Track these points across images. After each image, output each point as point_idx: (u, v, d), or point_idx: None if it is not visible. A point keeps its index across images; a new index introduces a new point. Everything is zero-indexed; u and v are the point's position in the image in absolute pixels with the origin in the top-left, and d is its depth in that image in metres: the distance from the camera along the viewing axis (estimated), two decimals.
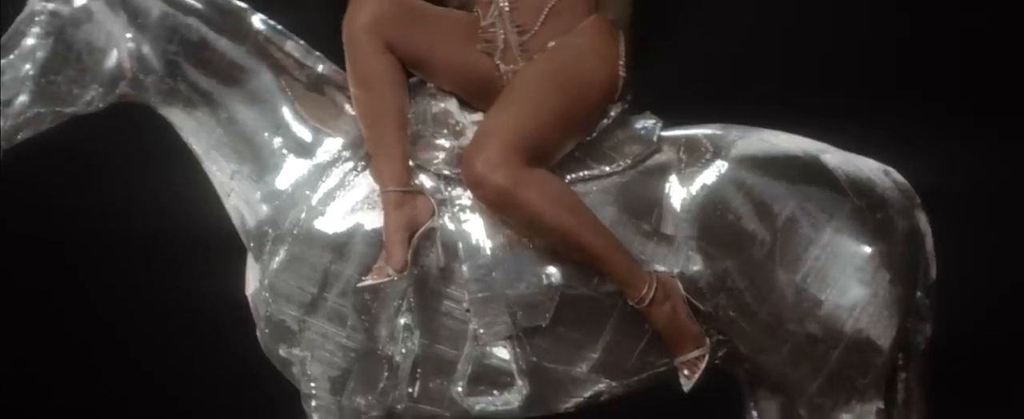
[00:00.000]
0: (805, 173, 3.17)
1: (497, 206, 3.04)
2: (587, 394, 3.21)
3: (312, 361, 3.24)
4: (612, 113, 3.21)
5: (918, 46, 4.14)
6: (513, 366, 3.23)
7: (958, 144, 4.05)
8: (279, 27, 3.25)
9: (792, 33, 4.02)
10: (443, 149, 3.17)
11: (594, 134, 3.19)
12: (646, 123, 3.25)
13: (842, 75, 4.09)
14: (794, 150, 3.21)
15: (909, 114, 4.04)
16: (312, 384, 3.27)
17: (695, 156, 3.18)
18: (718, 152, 3.18)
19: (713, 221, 3.14)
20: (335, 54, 3.28)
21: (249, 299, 3.36)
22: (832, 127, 3.36)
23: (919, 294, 3.36)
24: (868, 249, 3.20)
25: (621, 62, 3.19)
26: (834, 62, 4.08)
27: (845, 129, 3.37)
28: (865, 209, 3.25)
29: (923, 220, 3.36)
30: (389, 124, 3.11)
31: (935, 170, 3.54)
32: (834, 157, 3.23)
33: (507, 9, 3.17)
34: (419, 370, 3.25)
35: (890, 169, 3.27)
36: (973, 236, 3.99)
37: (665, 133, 3.24)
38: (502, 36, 3.19)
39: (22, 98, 3.07)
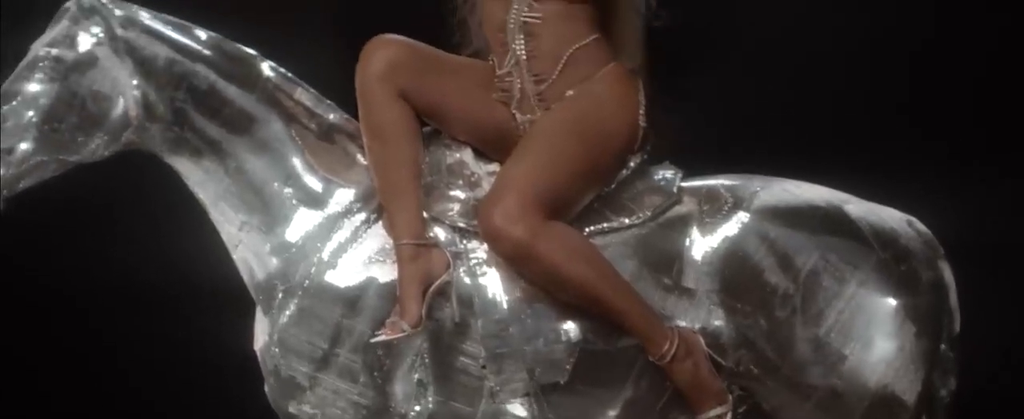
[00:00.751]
0: (828, 224, 3.12)
1: (515, 260, 2.98)
2: None
3: None
4: (631, 164, 3.17)
5: (939, 94, 4.11)
6: None
7: (979, 193, 4.03)
8: (289, 74, 3.20)
9: (811, 81, 3.98)
10: (458, 200, 3.12)
11: (613, 185, 3.15)
12: (665, 173, 3.21)
13: (862, 123, 4.05)
14: (817, 201, 3.17)
15: (929, 163, 4.01)
16: None
17: (716, 207, 3.13)
18: (739, 203, 3.13)
19: (735, 274, 3.09)
20: (347, 102, 3.25)
21: (258, 354, 3.28)
22: (852, 176, 3.32)
23: (943, 347, 3.30)
24: (893, 302, 3.15)
25: (641, 111, 3.14)
26: (854, 110, 4.04)
27: (865, 178, 3.34)
28: (890, 261, 3.19)
29: (947, 271, 3.30)
30: (403, 175, 3.06)
31: (956, 220, 3.52)
32: (857, 208, 3.19)
33: (524, 57, 3.11)
34: None
35: (913, 219, 3.22)
36: (995, 287, 3.91)
37: (685, 184, 3.19)
38: (519, 85, 3.13)
39: (24, 146, 3.02)
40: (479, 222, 2.99)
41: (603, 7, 3.25)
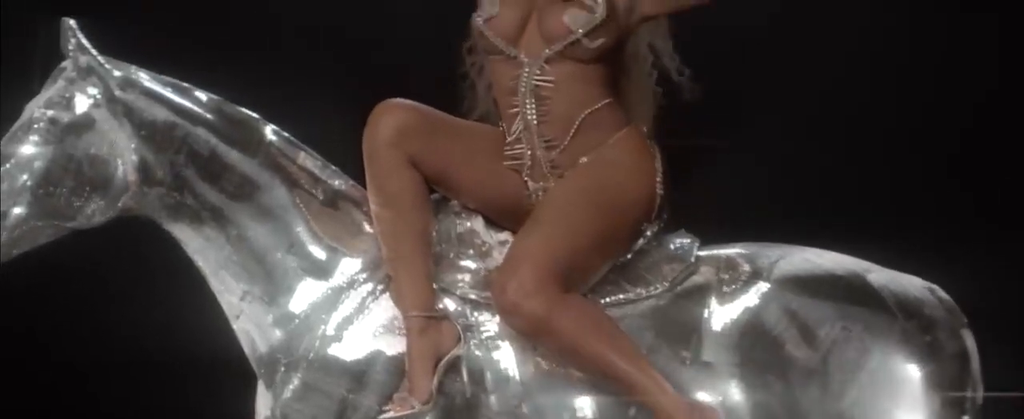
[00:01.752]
0: (850, 294, 3.07)
1: (530, 334, 2.91)
2: None
3: None
4: (648, 232, 3.10)
5: (956, 160, 4.06)
6: None
7: (1000, 260, 3.95)
8: (292, 138, 3.15)
9: (825, 146, 3.91)
10: (469, 271, 3.05)
11: (629, 255, 3.07)
12: (681, 241, 3.15)
13: (880, 189, 3.99)
14: (838, 270, 3.11)
15: (949, 229, 3.94)
16: None
17: (735, 277, 3.08)
18: (759, 272, 3.07)
19: (755, 347, 3.02)
20: (353, 167, 3.18)
21: None
22: (871, 242, 3.26)
23: (966, 418, 3.20)
24: (917, 373, 3.09)
25: (658, 179, 3.08)
26: (871, 176, 3.99)
27: (884, 244, 3.26)
28: (913, 331, 3.12)
29: (970, 340, 3.22)
30: (412, 244, 2.99)
31: (977, 286, 3.40)
32: (879, 276, 3.12)
33: (534, 123, 3.04)
34: None
35: (935, 287, 3.16)
36: (1015, 354, 3.77)
37: (702, 252, 3.13)
38: (529, 152, 3.07)
39: (18, 210, 2.96)
40: (493, 295, 2.93)
41: (615, 68, 3.18)
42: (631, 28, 3.15)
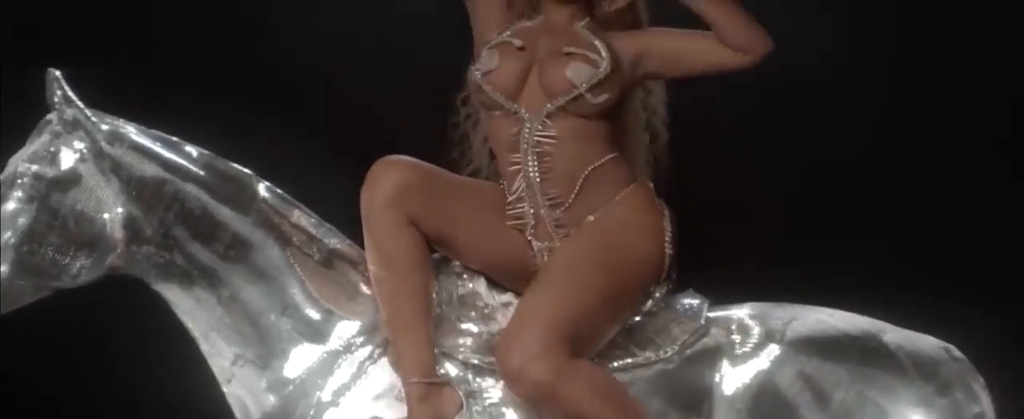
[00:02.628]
0: (865, 356, 3.00)
1: (537, 401, 2.81)
2: None
3: None
4: (657, 294, 3.02)
5: (970, 215, 4.00)
6: None
7: (1015, 318, 3.92)
8: (286, 195, 3.07)
9: (836, 203, 3.83)
10: (471, 334, 2.96)
11: (638, 318, 2.99)
12: (690, 302, 3.07)
13: (891, 246, 3.90)
14: (852, 330, 3.04)
15: (962, 286, 3.87)
16: None
17: (746, 340, 3.00)
18: (771, 335, 3.00)
19: (769, 412, 2.95)
20: (349, 225, 3.09)
21: None
22: (883, 300, 3.20)
23: None
24: None
25: (667, 238, 3.00)
26: (880, 233, 3.92)
27: (896, 302, 3.20)
28: (930, 393, 3.04)
29: (986, 400, 3.14)
30: (412, 307, 2.89)
31: (993, 345, 3.36)
32: (894, 336, 3.06)
33: (537, 180, 2.95)
34: None
35: (950, 346, 3.09)
36: None
37: (711, 313, 3.05)
38: (532, 211, 2.98)
39: (1, 269, 2.87)
40: (497, 361, 2.84)
41: (617, 122, 3.10)
42: (635, 82, 3.08)
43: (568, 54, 3.00)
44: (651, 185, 3.12)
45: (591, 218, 2.98)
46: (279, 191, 3.07)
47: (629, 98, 3.10)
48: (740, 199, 3.73)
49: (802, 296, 3.14)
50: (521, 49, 3.03)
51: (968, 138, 3.83)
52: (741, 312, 3.07)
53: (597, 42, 3.02)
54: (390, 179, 2.94)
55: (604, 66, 2.98)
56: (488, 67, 3.03)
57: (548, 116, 2.98)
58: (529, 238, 3.01)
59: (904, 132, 3.84)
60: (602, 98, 2.98)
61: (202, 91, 3.51)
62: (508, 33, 3.09)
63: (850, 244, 3.86)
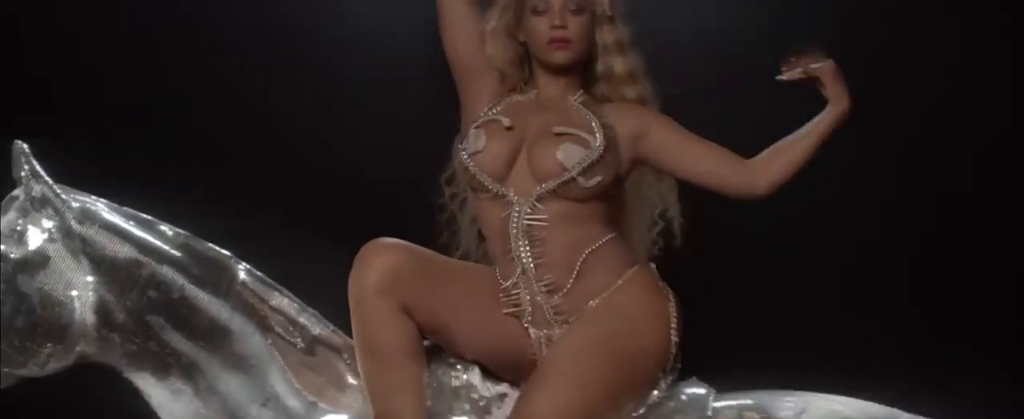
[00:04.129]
0: None
1: None
2: None
3: None
4: (662, 383, 2.90)
5: (982, 303, 3.90)
6: None
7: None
8: (267, 278, 2.97)
9: (845, 285, 3.77)
10: None
11: (642, 409, 2.87)
12: (696, 392, 2.94)
13: (903, 330, 3.82)
14: None
15: (976, 373, 3.75)
16: None
17: None
18: None
19: None
20: (334, 311, 2.99)
21: None
22: (895, 387, 3.09)
23: None
24: None
25: (673, 325, 2.89)
26: (894, 317, 3.82)
27: (907, 389, 3.09)
28: None
29: None
30: (402, 401, 2.79)
31: None
32: None
33: (531, 266, 2.85)
34: None
35: None
36: None
37: (718, 403, 2.94)
38: (529, 297, 2.88)
39: None
40: None
41: (615, 203, 2.99)
42: (633, 161, 2.96)
43: (558, 134, 2.88)
44: (654, 267, 3.00)
45: (592, 304, 2.89)
46: (259, 273, 2.97)
47: (627, 175, 3.00)
48: (744, 280, 3.61)
49: (811, 382, 3.04)
50: (509, 129, 2.91)
51: (978, 223, 3.76)
52: (749, 401, 2.96)
53: (592, 120, 2.91)
54: (382, 264, 2.81)
55: (597, 146, 2.87)
56: (475, 148, 2.92)
57: (538, 199, 2.88)
58: (526, 326, 2.91)
59: (911, 217, 3.77)
60: (594, 181, 2.87)
61: (178, 166, 3.46)
62: (497, 110, 2.96)
63: (859, 326, 3.79)
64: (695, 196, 3.05)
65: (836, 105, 2.84)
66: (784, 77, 2.84)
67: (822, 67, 2.85)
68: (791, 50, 2.85)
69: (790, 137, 2.89)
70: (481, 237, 3.06)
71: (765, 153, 2.89)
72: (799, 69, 2.85)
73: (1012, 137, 3.67)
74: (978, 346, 3.82)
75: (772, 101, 3.03)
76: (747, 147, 2.95)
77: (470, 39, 3.00)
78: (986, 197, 3.81)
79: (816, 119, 2.87)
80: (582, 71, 3.00)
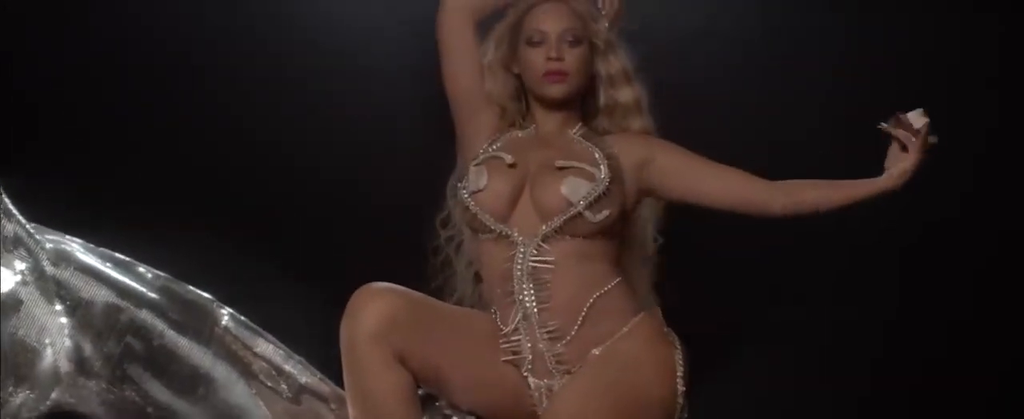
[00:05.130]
0: None
1: None
2: None
3: None
4: None
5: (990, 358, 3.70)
6: None
7: None
8: (251, 324, 2.93)
9: (849, 339, 3.59)
10: None
11: None
12: None
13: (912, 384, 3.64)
14: None
15: None
16: None
17: None
18: None
19: None
20: (322, 358, 2.92)
21: None
22: None
23: None
24: None
25: (680, 374, 2.78)
26: (902, 371, 3.63)
27: None
28: None
29: None
30: None
31: None
32: None
33: (534, 311, 2.74)
34: None
35: None
36: None
37: None
38: (530, 345, 2.77)
39: None
40: None
41: (621, 240, 2.87)
42: (641, 191, 2.86)
43: (561, 168, 2.77)
44: (659, 312, 2.89)
45: (596, 352, 2.77)
46: (243, 318, 2.93)
47: (634, 209, 2.90)
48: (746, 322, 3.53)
49: None
50: (512, 166, 2.80)
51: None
52: None
53: (595, 152, 2.81)
54: (375, 311, 2.68)
55: (602, 178, 2.77)
56: (476, 186, 2.80)
57: (544, 239, 2.76)
58: (526, 375, 2.81)
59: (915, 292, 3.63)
60: (602, 215, 2.76)
61: (156, 205, 3.29)
62: (497, 146, 2.85)
63: (864, 370, 3.61)
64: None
65: (889, 180, 2.69)
66: (885, 128, 2.70)
67: (918, 140, 2.69)
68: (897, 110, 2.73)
69: (827, 181, 2.76)
70: (477, 279, 2.97)
71: (797, 181, 2.77)
72: (900, 128, 2.70)
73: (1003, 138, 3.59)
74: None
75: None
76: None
77: (471, 73, 2.90)
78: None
79: (862, 181, 2.73)
80: (581, 104, 2.90)
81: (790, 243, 3.23)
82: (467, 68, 2.89)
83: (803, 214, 2.75)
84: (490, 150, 2.86)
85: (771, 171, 2.81)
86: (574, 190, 2.75)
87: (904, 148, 2.65)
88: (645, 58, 2.91)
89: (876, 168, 2.72)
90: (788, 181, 2.77)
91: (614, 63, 2.87)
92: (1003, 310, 3.46)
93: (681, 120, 2.92)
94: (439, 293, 2.96)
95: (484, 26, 2.94)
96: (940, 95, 2.87)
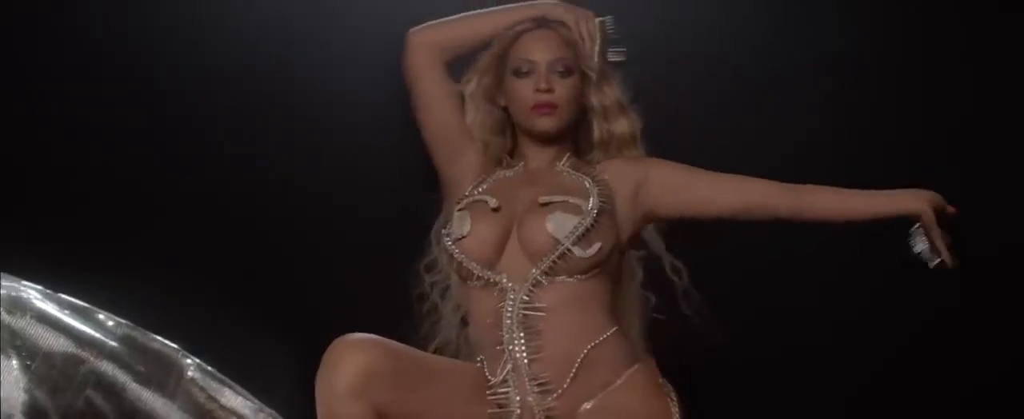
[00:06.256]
0: None
1: None
2: None
3: None
4: None
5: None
6: None
7: None
8: (219, 374, 2.92)
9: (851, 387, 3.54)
10: None
11: None
12: None
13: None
14: None
15: None
16: None
17: None
18: None
19: None
20: (297, 412, 2.83)
21: None
22: None
23: None
24: None
25: None
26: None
27: None
28: None
29: None
30: None
31: None
32: None
33: (525, 362, 2.59)
34: None
35: None
36: None
37: None
38: (519, 398, 2.60)
39: None
40: None
41: (614, 281, 2.71)
42: (641, 223, 2.72)
43: (545, 204, 2.63)
44: (654, 363, 2.73)
45: (588, 406, 2.62)
46: (210, 369, 2.93)
47: (632, 241, 2.75)
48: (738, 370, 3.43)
49: None
50: (496, 210, 2.65)
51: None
52: None
53: (584, 180, 2.67)
54: (354, 364, 2.50)
55: (589, 210, 2.61)
56: (460, 233, 2.64)
57: (535, 283, 2.61)
58: None
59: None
60: (593, 249, 2.60)
61: (117, 248, 3.21)
62: (482, 189, 2.71)
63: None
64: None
65: (917, 199, 2.61)
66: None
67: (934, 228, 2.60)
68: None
69: (845, 191, 2.67)
70: (463, 324, 2.81)
71: (808, 186, 2.68)
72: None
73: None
74: None
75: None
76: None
77: (447, 114, 2.75)
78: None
79: (884, 194, 2.64)
80: (573, 138, 2.76)
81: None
82: (441, 109, 2.75)
83: (812, 220, 2.67)
84: (474, 193, 2.71)
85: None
86: (560, 226, 2.59)
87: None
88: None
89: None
90: (798, 185, 2.69)
91: (608, 94, 2.73)
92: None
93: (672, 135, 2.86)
94: (425, 342, 2.82)
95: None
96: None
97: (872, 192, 2.65)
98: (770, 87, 3.40)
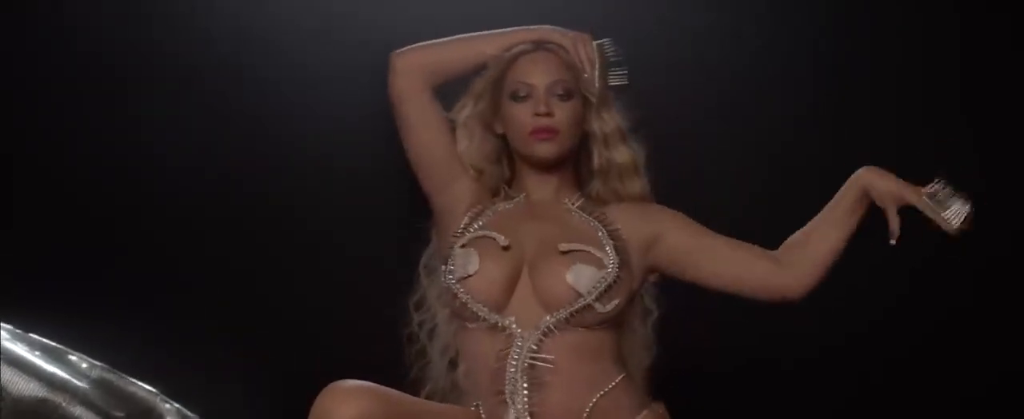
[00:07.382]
0: None
1: None
2: None
3: None
4: None
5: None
6: None
7: None
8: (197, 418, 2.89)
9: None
10: None
11: None
12: None
13: None
14: None
15: None
16: None
17: None
18: None
19: None
20: None
21: None
22: None
23: None
24: None
25: None
26: None
27: None
28: None
29: None
30: None
31: None
32: None
33: (527, 414, 2.49)
34: None
35: None
36: None
37: None
38: None
39: None
40: None
41: (621, 328, 2.62)
42: (648, 274, 2.63)
43: (564, 253, 2.54)
44: (663, 408, 2.64)
45: None
46: (190, 414, 2.89)
47: (639, 291, 2.68)
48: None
49: None
50: (507, 249, 2.56)
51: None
52: None
53: (598, 230, 2.58)
54: (345, 414, 2.40)
55: (612, 265, 2.53)
56: (465, 271, 2.55)
57: (545, 333, 2.53)
58: None
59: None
60: (612, 305, 2.52)
61: (92, 286, 3.20)
62: (481, 223, 2.62)
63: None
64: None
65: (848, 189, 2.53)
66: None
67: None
68: None
69: (817, 224, 2.61)
70: (451, 365, 2.70)
71: (794, 251, 2.60)
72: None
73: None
74: None
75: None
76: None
77: (436, 140, 2.67)
78: None
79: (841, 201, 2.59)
80: (575, 167, 2.67)
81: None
82: (430, 135, 2.66)
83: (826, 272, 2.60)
84: (475, 228, 2.59)
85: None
86: (582, 279, 2.50)
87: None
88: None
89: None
90: (788, 257, 2.58)
91: (608, 120, 2.64)
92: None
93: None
94: (416, 386, 2.73)
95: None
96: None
97: (829, 205, 2.58)
98: (768, 90, 3.39)
